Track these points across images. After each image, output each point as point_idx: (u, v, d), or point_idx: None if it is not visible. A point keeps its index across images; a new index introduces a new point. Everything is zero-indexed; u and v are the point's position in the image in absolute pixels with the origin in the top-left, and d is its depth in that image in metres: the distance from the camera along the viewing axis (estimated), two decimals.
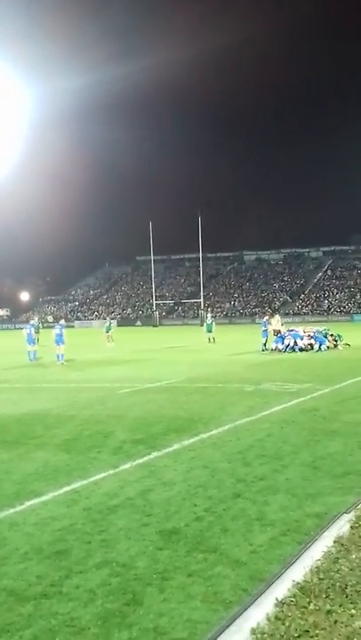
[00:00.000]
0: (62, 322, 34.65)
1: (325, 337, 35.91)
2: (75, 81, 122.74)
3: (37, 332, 37.13)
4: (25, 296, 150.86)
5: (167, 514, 7.88)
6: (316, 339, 35.13)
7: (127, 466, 10.28)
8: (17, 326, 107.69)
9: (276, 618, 4.95)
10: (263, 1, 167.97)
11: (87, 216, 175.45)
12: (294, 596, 5.43)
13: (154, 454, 11.03)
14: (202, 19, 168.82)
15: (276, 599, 5.13)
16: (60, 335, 31.31)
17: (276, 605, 5.13)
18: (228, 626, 4.81)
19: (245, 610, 5.07)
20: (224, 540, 6.96)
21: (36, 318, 48.03)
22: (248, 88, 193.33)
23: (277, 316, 40.12)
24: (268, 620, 4.87)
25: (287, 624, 4.91)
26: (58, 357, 31.19)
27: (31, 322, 38.47)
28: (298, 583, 5.68)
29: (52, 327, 33.20)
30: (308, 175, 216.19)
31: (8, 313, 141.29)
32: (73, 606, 5.56)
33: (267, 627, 4.82)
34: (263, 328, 37.52)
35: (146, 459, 10.74)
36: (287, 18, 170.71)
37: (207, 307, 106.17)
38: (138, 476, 9.68)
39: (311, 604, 5.21)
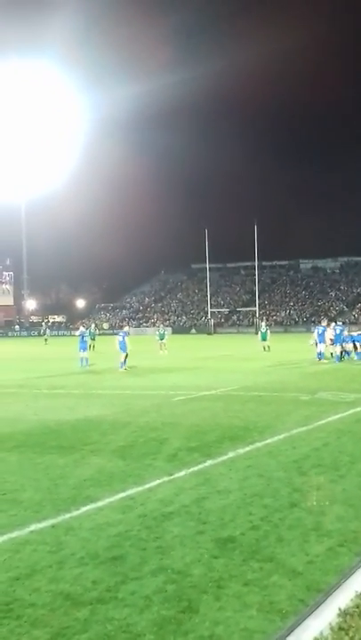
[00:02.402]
0: (126, 329, 34.79)
1: None
2: (132, 88, 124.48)
3: (93, 339, 37.42)
4: (81, 303, 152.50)
5: (222, 522, 7.83)
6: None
7: (182, 473, 10.27)
8: (73, 333, 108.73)
9: (340, 628, 4.87)
10: (322, 8, 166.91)
11: (143, 224, 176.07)
12: (357, 606, 5.34)
13: (209, 462, 11.00)
14: (260, 26, 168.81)
15: (339, 609, 5.05)
16: (122, 342, 31.44)
17: (339, 615, 5.04)
18: (286, 635, 4.76)
19: (304, 620, 5.00)
20: (280, 549, 6.89)
21: (93, 325, 48.39)
22: (306, 96, 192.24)
23: (333, 324, 39.62)
24: (332, 629, 4.80)
25: (351, 634, 4.82)
26: (120, 365, 31.36)
27: (81, 329, 38.85)
28: None
29: (115, 334, 33.42)
30: None
31: (64, 319, 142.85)
32: (129, 612, 5.56)
33: (330, 637, 4.75)
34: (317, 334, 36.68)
35: (201, 466, 10.71)
36: (347, 26, 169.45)
37: (262, 315, 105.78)
38: (193, 483, 9.65)
39: None
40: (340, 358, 34.52)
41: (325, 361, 34.50)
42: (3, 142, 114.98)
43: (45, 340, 75.91)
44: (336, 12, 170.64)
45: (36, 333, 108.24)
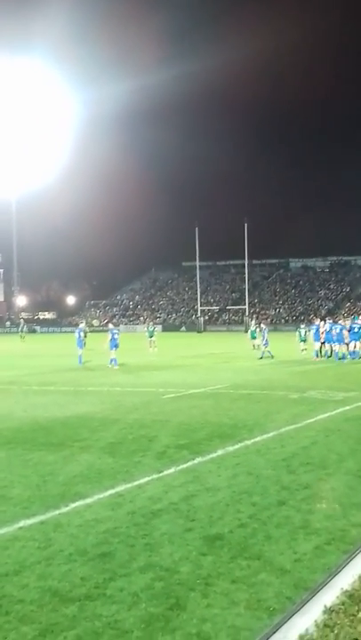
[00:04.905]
0: (110, 326, 34.98)
1: None
2: (121, 86, 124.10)
3: (85, 336, 37.34)
4: (71, 300, 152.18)
5: (211, 519, 7.86)
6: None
7: (171, 470, 10.29)
8: (63, 329, 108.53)
9: (325, 625, 4.90)
10: (316, 5, 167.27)
11: (134, 221, 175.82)
12: (343, 603, 5.38)
13: (198, 460, 11.02)
14: (252, 23, 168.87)
15: (325, 606, 5.08)
16: (114, 340, 31.44)
17: (325, 613, 5.07)
18: (273, 632, 4.78)
19: (291, 617, 5.03)
20: (268, 547, 6.92)
21: (84, 322, 48.23)
22: (297, 94, 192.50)
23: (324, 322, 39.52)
24: (317, 626, 4.83)
25: (336, 632, 4.85)
26: (111, 361, 31.36)
27: (80, 326, 38.75)
28: (346, 591, 5.63)
29: (106, 331, 33.36)
30: (355, 181, 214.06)
31: (54, 316, 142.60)
32: (117, 609, 5.57)
33: (315, 634, 4.77)
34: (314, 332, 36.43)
35: (190, 464, 10.74)
36: (341, 23, 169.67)
37: (252, 313, 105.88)
38: (182, 480, 9.68)
39: (360, 613, 5.15)
40: (330, 356, 34.51)
41: (317, 359, 34.57)
42: None
43: (22, 336, 74.24)
44: (329, 8, 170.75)
45: (26, 330, 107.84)
